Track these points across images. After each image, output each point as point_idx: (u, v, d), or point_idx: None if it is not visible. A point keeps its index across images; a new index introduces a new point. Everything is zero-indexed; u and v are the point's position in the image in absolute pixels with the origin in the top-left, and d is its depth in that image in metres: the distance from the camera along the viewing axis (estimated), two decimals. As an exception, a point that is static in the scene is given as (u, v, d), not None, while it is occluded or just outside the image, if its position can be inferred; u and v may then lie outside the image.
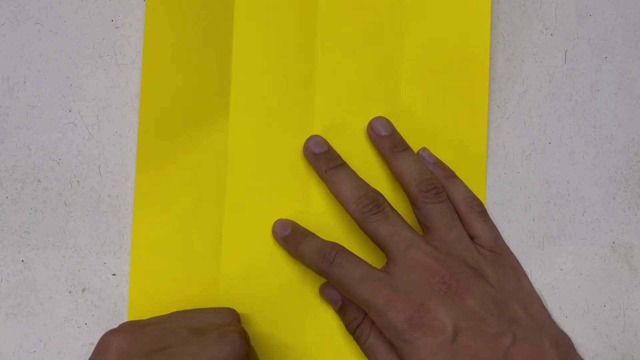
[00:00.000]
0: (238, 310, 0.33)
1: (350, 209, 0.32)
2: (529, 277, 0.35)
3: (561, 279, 0.36)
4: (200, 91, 0.35)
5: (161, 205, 0.35)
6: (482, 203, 0.35)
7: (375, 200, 0.32)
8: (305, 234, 0.33)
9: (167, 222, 0.34)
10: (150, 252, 0.34)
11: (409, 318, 0.29)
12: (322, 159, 0.34)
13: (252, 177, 0.35)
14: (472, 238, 0.34)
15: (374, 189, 0.33)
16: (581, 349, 0.35)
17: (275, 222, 0.34)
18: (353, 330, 0.33)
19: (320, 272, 0.32)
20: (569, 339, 0.33)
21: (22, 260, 0.35)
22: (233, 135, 0.35)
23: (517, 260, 0.35)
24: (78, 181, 0.36)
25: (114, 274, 0.35)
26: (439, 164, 0.35)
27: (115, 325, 0.32)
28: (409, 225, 0.32)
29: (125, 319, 0.34)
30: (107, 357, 0.27)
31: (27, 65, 0.36)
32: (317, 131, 0.35)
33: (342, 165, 0.34)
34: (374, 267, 0.31)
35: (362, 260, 0.31)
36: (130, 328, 0.28)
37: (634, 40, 0.37)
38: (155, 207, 0.35)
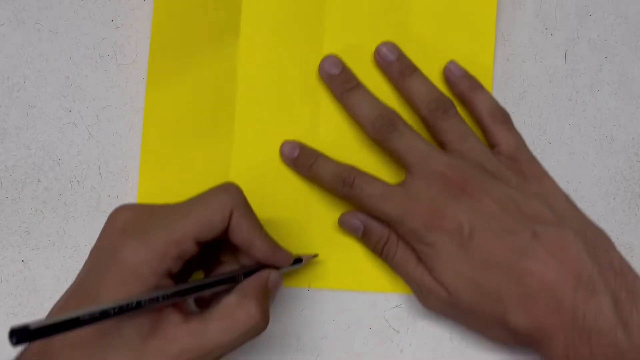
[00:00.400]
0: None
1: (367, 130, 0.33)
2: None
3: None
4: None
5: (170, 127, 0.35)
6: (507, 112, 0.35)
7: (391, 119, 0.33)
8: (315, 155, 0.34)
9: (175, 145, 0.35)
10: (157, 174, 0.35)
11: (427, 222, 0.31)
12: (338, 81, 0.34)
13: (262, 99, 0.35)
14: (494, 147, 0.34)
15: (389, 108, 0.33)
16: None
17: (283, 145, 0.35)
18: (380, 250, 0.34)
19: (340, 195, 0.33)
20: (602, 233, 0.32)
21: (22, 260, 0.35)
22: (243, 60, 0.35)
23: (540, 166, 0.34)
24: (78, 181, 0.36)
25: (114, 274, 0.35)
26: (466, 75, 0.35)
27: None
28: (425, 140, 0.33)
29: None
30: (114, 226, 0.27)
31: (27, 65, 0.36)
32: (326, 53, 0.35)
33: (357, 86, 0.34)
34: (391, 184, 0.32)
35: (378, 178, 0.33)
36: (139, 204, 0.29)
37: (634, 40, 0.37)
38: (163, 129, 0.35)
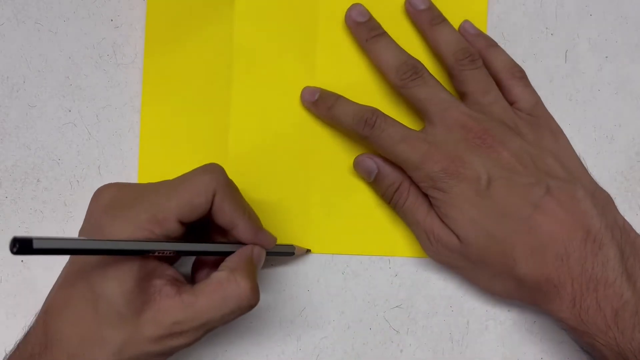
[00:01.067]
0: (246, 186, 0.34)
1: (390, 76, 0.33)
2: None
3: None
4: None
5: (168, 96, 0.35)
6: (523, 70, 0.35)
7: (415, 67, 0.33)
8: (336, 96, 0.34)
9: (175, 113, 0.35)
10: (156, 151, 0.35)
11: (445, 168, 0.31)
12: (364, 28, 0.35)
13: (258, 70, 0.36)
14: (511, 104, 0.34)
15: (413, 57, 0.34)
16: (582, 349, 0.35)
17: (303, 90, 0.35)
18: (391, 196, 0.34)
19: (361, 136, 0.33)
20: (608, 195, 0.33)
21: (22, 260, 0.35)
22: (239, 27, 0.36)
23: (556, 124, 0.35)
24: (78, 181, 0.36)
25: (113, 274, 0.35)
26: (481, 34, 0.36)
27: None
28: (447, 90, 0.33)
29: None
30: (99, 203, 0.28)
31: (27, 65, 0.36)
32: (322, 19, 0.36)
33: (383, 34, 0.35)
34: (412, 129, 0.33)
35: (399, 122, 0.33)
36: (122, 183, 0.30)
37: (634, 40, 0.37)
38: (163, 98, 0.35)
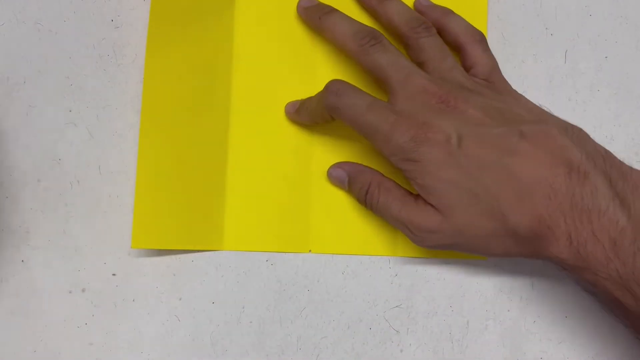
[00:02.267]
0: (246, 186, 0.35)
1: (348, 45, 0.33)
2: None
3: (563, 277, 0.36)
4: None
5: (169, 96, 0.35)
6: (482, 34, 0.35)
7: (372, 33, 0.33)
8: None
9: (175, 113, 0.35)
10: (157, 137, 0.35)
11: (413, 136, 0.30)
12: (315, 9, 0.35)
13: (259, 69, 0.36)
14: (469, 69, 0.34)
15: (368, 25, 0.34)
16: (582, 349, 0.35)
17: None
18: (364, 197, 0.34)
19: (328, 107, 0.32)
20: (581, 129, 0.32)
21: (22, 260, 0.35)
22: (240, 26, 0.36)
23: (512, 88, 0.35)
24: (78, 181, 0.36)
25: (114, 274, 0.35)
26: (434, 5, 0.36)
27: (116, 327, 0.33)
28: (406, 57, 0.33)
29: (126, 317, 0.34)
30: None
31: (27, 65, 0.36)
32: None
33: (334, 10, 0.35)
34: (378, 98, 0.32)
35: (366, 92, 0.32)
36: None
37: (634, 40, 0.37)
38: (163, 98, 0.35)
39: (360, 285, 0.35)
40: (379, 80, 0.33)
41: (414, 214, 0.32)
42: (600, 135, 0.37)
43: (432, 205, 0.31)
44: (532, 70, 0.37)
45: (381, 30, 0.35)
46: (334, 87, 0.32)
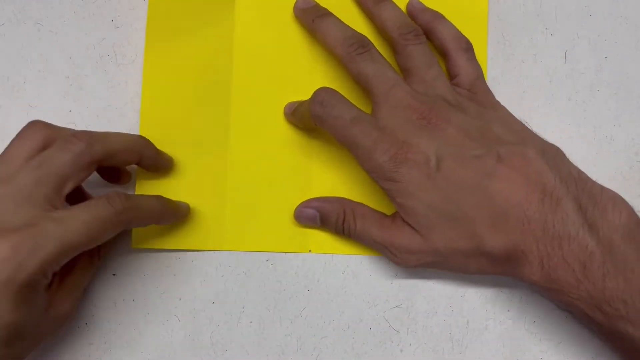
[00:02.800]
0: (246, 186, 0.35)
1: (337, 50, 0.33)
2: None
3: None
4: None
5: (168, 96, 0.35)
6: (470, 42, 0.35)
7: (362, 41, 0.33)
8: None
9: (175, 113, 0.35)
10: (157, 137, 0.35)
11: (393, 156, 0.30)
12: (310, 11, 0.35)
13: (258, 67, 0.36)
14: (454, 77, 0.35)
15: (359, 32, 0.34)
16: (581, 349, 0.35)
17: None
18: (341, 227, 0.34)
19: (313, 116, 0.32)
20: (557, 148, 0.33)
21: (22, 260, 0.35)
22: (240, 25, 0.36)
23: (495, 98, 0.35)
24: (78, 181, 0.36)
25: (114, 274, 0.35)
26: (426, 8, 0.36)
27: (116, 327, 0.33)
28: (393, 68, 0.33)
29: (126, 317, 0.34)
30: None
31: (27, 65, 0.36)
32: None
33: (328, 13, 0.35)
34: (363, 111, 0.32)
35: (352, 104, 0.32)
36: (52, 128, 0.31)
37: (634, 40, 0.37)
38: (163, 98, 0.36)
39: (360, 285, 0.35)
40: (364, 89, 0.33)
41: (394, 235, 0.32)
42: (600, 135, 0.37)
43: (410, 225, 0.32)
44: (532, 70, 0.37)
45: (374, 33, 0.35)
46: (319, 97, 0.32)
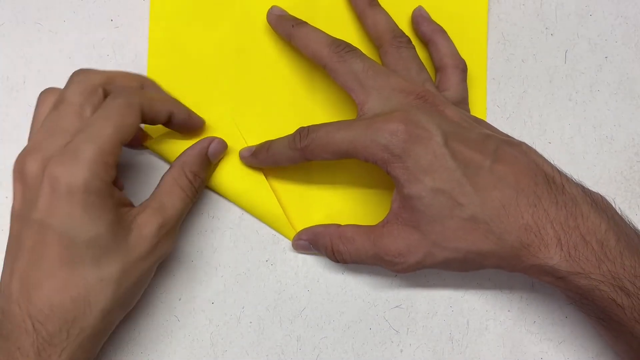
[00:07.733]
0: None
1: (324, 51, 0.33)
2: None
3: (561, 279, 0.36)
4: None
5: (171, 94, 0.35)
6: (465, 64, 0.35)
7: (348, 43, 0.33)
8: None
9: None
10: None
11: (396, 132, 0.30)
12: (287, 18, 0.35)
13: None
14: (442, 92, 0.34)
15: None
16: (582, 349, 0.35)
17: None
18: (332, 256, 0.33)
19: (302, 150, 0.32)
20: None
21: (22, 260, 0.35)
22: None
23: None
24: (78, 181, 0.36)
25: (113, 274, 0.35)
26: (431, 20, 0.36)
27: (116, 328, 0.33)
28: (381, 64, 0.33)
29: (126, 317, 0.34)
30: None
31: (27, 65, 0.36)
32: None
33: (305, 22, 0.35)
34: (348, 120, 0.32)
35: (332, 122, 0.32)
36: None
37: (634, 40, 0.37)
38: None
39: (360, 285, 0.35)
40: (352, 88, 0.32)
41: (386, 242, 0.31)
42: (600, 135, 0.37)
43: (407, 225, 0.30)
44: (532, 70, 0.37)
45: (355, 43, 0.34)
46: (303, 131, 0.32)
